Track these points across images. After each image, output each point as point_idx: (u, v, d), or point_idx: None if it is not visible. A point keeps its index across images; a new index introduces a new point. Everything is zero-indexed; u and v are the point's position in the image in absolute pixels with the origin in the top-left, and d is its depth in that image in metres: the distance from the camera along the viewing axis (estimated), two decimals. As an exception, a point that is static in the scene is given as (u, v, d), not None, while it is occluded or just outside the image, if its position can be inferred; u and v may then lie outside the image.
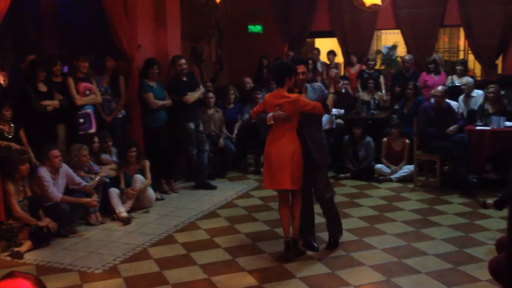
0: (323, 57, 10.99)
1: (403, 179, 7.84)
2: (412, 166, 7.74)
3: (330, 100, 4.95)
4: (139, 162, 6.72)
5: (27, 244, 5.38)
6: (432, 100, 7.63)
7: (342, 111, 8.44)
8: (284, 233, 5.15)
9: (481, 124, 7.44)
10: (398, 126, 8.01)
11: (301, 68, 5.03)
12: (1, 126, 5.78)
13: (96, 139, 6.61)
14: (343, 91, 5.12)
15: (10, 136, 5.84)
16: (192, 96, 7.52)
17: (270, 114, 4.93)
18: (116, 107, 7.18)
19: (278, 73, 5.03)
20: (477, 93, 8.16)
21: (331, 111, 5.04)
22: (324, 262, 5.03)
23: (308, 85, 5.21)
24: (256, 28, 11.61)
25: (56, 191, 5.80)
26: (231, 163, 8.57)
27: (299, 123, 4.96)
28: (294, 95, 4.91)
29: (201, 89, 7.80)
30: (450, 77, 9.02)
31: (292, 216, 5.14)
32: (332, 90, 4.98)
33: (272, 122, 4.94)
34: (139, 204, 6.66)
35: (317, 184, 5.17)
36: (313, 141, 5.08)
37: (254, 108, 5.25)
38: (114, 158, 6.87)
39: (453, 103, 7.79)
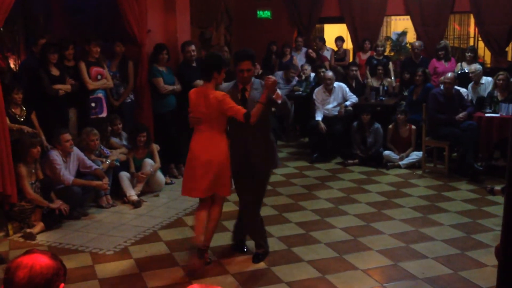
0: (331, 44, 10.96)
1: (411, 166, 7.85)
2: (421, 152, 7.75)
3: (255, 110, 4.30)
4: (147, 146, 6.78)
5: (39, 226, 5.48)
6: (442, 86, 7.62)
7: (356, 99, 8.44)
8: (197, 239, 4.59)
9: (490, 111, 7.44)
10: (404, 112, 8.02)
11: (245, 65, 4.42)
12: (12, 110, 5.84)
13: (107, 124, 6.67)
14: (279, 102, 4.43)
15: (22, 119, 5.91)
16: (201, 83, 7.52)
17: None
18: (124, 92, 7.23)
19: (205, 66, 4.51)
20: (486, 80, 8.14)
21: (253, 122, 4.31)
22: (332, 246, 5.09)
23: (257, 80, 4.60)
24: (265, 14, 11.60)
25: (67, 174, 5.88)
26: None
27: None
28: (218, 94, 4.37)
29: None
30: (459, 64, 8.99)
31: (207, 225, 4.61)
32: (262, 100, 4.33)
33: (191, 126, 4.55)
34: (149, 188, 6.73)
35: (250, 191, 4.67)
36: (256, 144, 4.54)
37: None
38: (124, 142, 6.94)
39: (462, 90, 7.77)
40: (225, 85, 4.66)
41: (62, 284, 1.82)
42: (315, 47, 10.34)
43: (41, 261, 1.78)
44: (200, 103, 4.45)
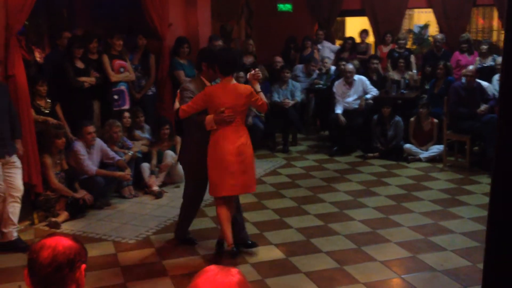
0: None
1: (432, 159, 7.80)
2: (442, 146, 7.71)
3: (264, 97, 4.64)
4: (171, 139, 6.88)
5: (63, 215, 5.62)
6: (463, 79, 7.56)
7: (377, 92, 8.40)
8: (227, 240, 4.59)
9: (512, 104, 7.33)
10: (426, 106, 7.97)
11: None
12: (37, 102, 5.96)
13: (126, 114, 6.75)
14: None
15: (46, 111, 6.03)
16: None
17: (210, 118, 4.40)
18: (146, 85, 7.34)
19: (233, 59, 4.55)
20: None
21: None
22: (350, 238, 5.12)
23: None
24: (285, 7, 11.57)
25: (91, 165, 6.00)
26: (260, 141, 8.62)
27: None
28: (249, 87, 4.55)
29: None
30: (478, 58, 8.87)
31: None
32: (258, 89, 4.60)
33: (214, 127, 4.43)
34: (170, 179, 6.82)
35: None
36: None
37: (184, 105, 4.50)
38: (147, 134, 7.04)
39: (484, 83, 7.70)
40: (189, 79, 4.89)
41: (84, 265, 1.89)
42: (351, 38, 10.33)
43: (64, 242, 1.87)
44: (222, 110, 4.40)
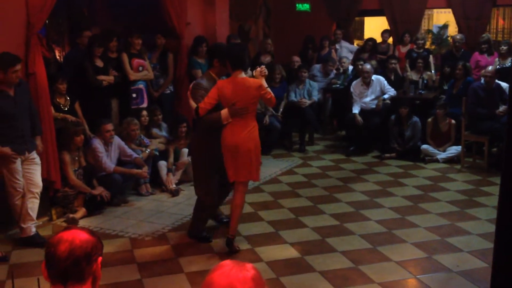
0: (375, 35, 10.86)
1: (450, 160, 7.74)
2: (460, 147, 7.65)
3: (272, 93, 4.76)
4: (188, 137, 6.92)
5: (81, 211, 5.69)
6: (482, 80, 7.49)
7: (395, 92, 8.35)
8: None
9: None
10: (443, 106, 7.90)
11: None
12: (57, 99, 6.04)
13: (144, 112, 6.81)
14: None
15: (66, 109, 6.11)
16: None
17: (226, 111, 4.60)
18: (164, 83, 7.39)
19: (243, 53, 4.72)
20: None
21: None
22: (366, 238, 5.12)
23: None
24: (304, 7, 11.55)
25: (109, 162, 6.07)
26: (276, 140, 8.64)
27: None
28: (258, 80, 4.69)
29: (248, 72, 7.87)
30: (497, 59, 8.77)
31: (231, 214, 4.85)
32: (265, 84, 4.72)
33: (230, 120, 4.62)
34: (187, 177, 6.85)
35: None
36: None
37: (201, 103, 4.62)
38: (164, 132, 7.09)
39: (503, 84, 7.62)
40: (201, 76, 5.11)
41: (100, 258, 1.92)
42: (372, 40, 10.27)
43: (81, 235, 1.90)
44: (239, 93, 4.61)
